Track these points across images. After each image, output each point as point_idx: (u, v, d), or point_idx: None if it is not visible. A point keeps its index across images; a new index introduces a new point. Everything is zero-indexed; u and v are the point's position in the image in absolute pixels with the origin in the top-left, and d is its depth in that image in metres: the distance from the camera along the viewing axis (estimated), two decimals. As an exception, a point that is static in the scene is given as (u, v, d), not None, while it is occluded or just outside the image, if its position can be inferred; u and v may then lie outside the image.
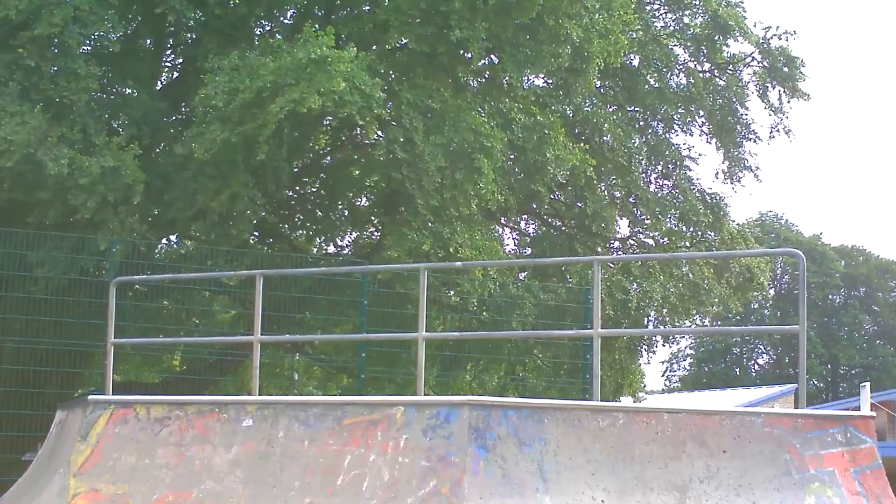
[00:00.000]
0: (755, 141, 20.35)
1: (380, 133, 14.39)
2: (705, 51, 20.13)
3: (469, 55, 14.71)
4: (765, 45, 19.97)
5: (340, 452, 7.37)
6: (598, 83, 18.08)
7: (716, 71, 20.44)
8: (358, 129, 16.04)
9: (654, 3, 20.64)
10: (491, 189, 14.38)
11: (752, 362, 61.32)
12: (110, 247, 13.21)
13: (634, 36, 18.31)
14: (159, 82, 16.81)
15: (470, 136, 14.19)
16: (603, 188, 18.90)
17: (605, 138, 18.44)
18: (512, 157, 16.39)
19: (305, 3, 16.39)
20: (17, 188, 13.01)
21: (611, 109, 18.99)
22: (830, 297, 58.34)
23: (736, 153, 20.29)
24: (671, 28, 20.33)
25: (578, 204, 18.87)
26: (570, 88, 17.54)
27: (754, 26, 20.09)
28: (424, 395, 10.24)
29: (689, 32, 19.93)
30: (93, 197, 12.56)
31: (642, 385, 21.11)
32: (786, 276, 56.37)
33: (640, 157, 19.12)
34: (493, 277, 15.36)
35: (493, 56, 15.97)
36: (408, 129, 13.89)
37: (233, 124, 12.74)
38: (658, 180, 20.17)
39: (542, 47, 14.93)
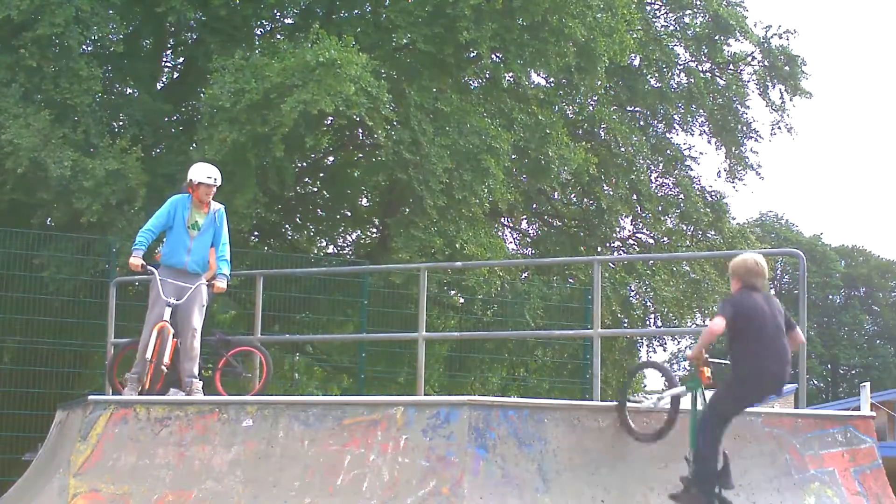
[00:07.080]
0: (756, 140, 20.34)
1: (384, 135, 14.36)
2: (706, 50, 20.10)
3: (473, 54, 14.69)
4: (765, 45, 19.94)
5: (340, 452, 7.37)
6: (599, 82, 18.08)
7: (716, 70, 20.41)
8: (360, 129, 16.03)
9: (654, 3, 20.62)
10: (500, 189, 14.40)
11: (753, 362, 61.14)
12: (111, 246, 13.19)
13: (635, 36, 18.28)
14: (160, 82, 16.80)
15: (475, 139, 14.21)
16: (605, 187, 18.86)
17: (608, 135, 18.44)
18: (514, 157, 16.39)
19: (305, 3, 16.36)
20: (19, 190, 13.00)
21: (612, 108, 18.95)
22: (830, 297, 58.19)
23: (737, 152, 20.26)
24: (672, 28, 20.31)
25: (586, 201, 18.87)
26: (574, 87, 17.53)
27: (755, 26, 20.07)
28: (425, 394, 10.25)
29: (690, 32, 19.90)
30: (97, 199, 12.55)
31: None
32: (786, 276, 56.28)
33: (643, 156, 19.09)
34: (499, 275, 15.35)
35: (496, 55, 15.96)
36: (415, 131, 13.89)
37: (241, 125, 12.73)
38: (659, 179, 20.15)
39: (546, 46, 14.92)
